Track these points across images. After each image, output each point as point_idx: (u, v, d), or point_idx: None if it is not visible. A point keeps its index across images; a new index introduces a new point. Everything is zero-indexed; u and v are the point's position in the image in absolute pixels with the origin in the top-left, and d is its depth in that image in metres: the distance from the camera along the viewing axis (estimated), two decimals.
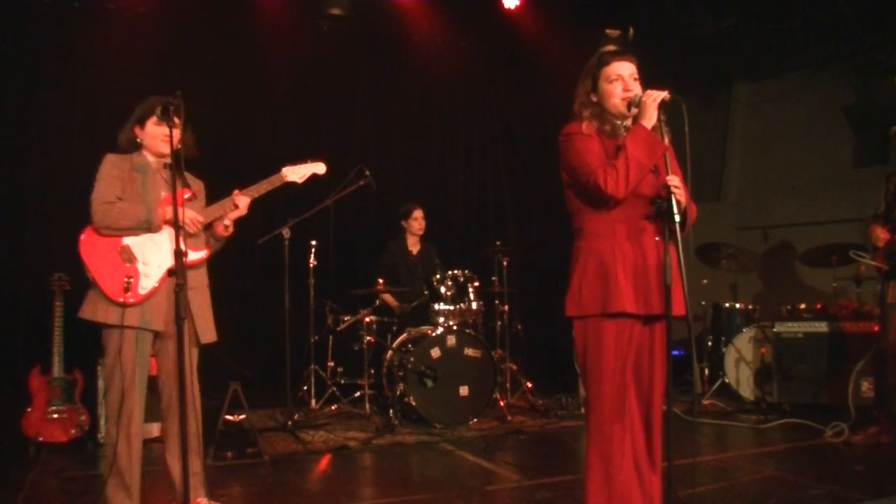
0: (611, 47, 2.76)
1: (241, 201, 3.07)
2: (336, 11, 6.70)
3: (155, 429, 4.43)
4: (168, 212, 2.90)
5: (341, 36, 6.93)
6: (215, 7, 6.33)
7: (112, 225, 2.86)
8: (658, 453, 2.58)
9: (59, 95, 5.87)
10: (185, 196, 3.00)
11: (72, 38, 5.93)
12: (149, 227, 2.90)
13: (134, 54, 6.07)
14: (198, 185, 3.20)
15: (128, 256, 2.90)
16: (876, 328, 4.56)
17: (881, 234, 4.29)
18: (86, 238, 2.89)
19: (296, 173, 3.30)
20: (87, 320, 2.88)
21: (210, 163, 6.20)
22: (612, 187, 2.43)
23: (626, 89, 2.53)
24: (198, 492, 2.99)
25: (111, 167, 2.94)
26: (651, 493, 2.58)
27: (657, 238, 2.51)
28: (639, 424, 2.59)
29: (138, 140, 3.01)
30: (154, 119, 2.96)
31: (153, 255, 2.93)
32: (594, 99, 2.59)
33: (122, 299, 2.82)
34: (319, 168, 3.38)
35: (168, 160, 3.00)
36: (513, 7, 6.84)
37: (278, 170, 3.26)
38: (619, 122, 2.58)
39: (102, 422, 4.43)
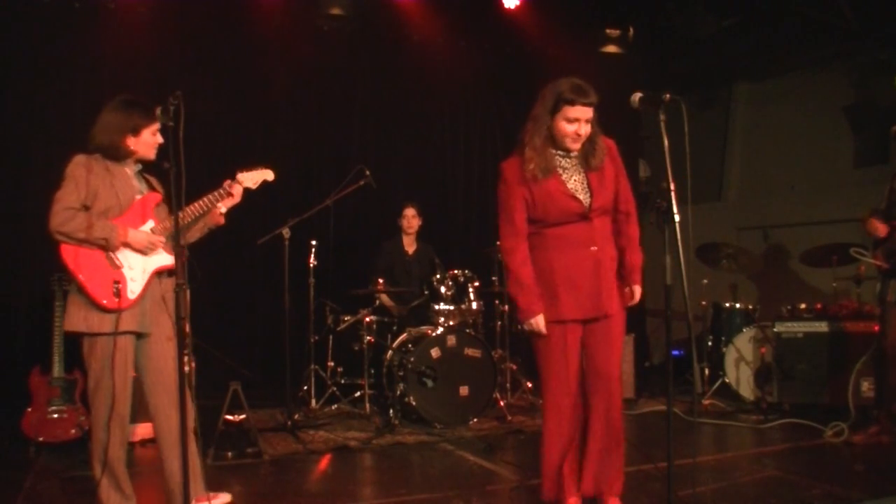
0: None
1: (237, 190, 3.26)
2: (336, 11, 6.70)
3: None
4: (129, 233, 2.90)
5: (341, 36, 6.93)
6: (215, 7, 6.33)
7: (70, 234, 2.81)
8: (616, 427, 2.91)
9: (59, 95, 5.87)
10: (158, 200, 3.05)
11: (72, 38, 5.93)
12: (105, 245, 2.85)
13: (134, 54, 6.07)
14: (160, 186, 3.17)
15: (113, 262, 2.89)
16: (876, 328, 4.56)
17: (880, 226, 4.29)
18: (67, 245, 2.83)
19: (250, 179, 3.35)
20: (77, 332, 2.85)
21: (209, 162, 6.24)
22: (504, 256, 2.88)
23: (577, 134, 2.74)
24: (197, 487, 3.00)
25: (83, 170, 2.90)
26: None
27: (594, 248, 2.80)
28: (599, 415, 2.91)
29: (131, 149, 2.97)
30: (152, 128, 2.95)
31: (135, 259, 2.93)
32: (548, 122, 2.77)
33: (115, 305, 2.81)
34: (269, 175, 3.43)
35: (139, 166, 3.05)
36: (513, 7, 6.83)
37: (233, 175, 3.31)
38: (553, 152, 2.81)
39: None
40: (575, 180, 2.82)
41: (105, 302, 2.81)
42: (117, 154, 2.95)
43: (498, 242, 5.71)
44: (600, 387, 2.89)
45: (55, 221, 2.81)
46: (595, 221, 2.81)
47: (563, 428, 2.89)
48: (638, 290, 2.93)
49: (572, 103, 2.70)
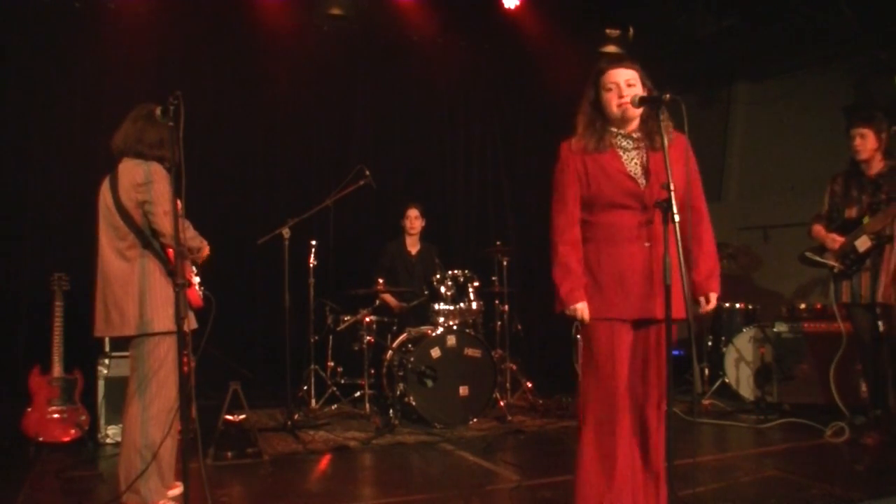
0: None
1: None
2: (336, 11, 6.70)
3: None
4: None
5: (341, 36, 6.93)
6: (215, 7, 6.32)
7: (184, 241, 2.95)
8: (656, 459, 2.62)
9: (59, 95, 5.87)
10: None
11: (72, 38, 5.93)
12: (191, 254, 3.17)
13: (134, 54, 6.07)
14: None
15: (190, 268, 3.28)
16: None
17: (836, 238, 4.42)
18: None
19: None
20: (167, 332, 3.02)
21: (210, 163, 6.24)
22: (553, 236, 2.66)
23: (620, 96, 2.58)
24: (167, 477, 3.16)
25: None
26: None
27: (647, 244, 2.58)
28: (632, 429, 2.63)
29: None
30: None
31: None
32: (597, 107, 2.66)
33: (198, 304, 3.25)
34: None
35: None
36: (513, 7, 6.83)
37: None
38: (614, 131, 2.64)
39: (102, 422, 4.44)
40: (635, 162, 2.61)
41: (197, 304, 3.21)
42: (167, 165, 3.10)
43: (498, 242, 5.81)
44: (644, 408, 2.61)
45: (172, 227, 2.82)
46: (651, 213, 2.56)
47: (606, 450, 2.55)
48: (713, 298, 2.65)
49: (605, 71, 2.61)
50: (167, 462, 3.10)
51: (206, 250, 3.27)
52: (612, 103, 2.60)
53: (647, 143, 2.63)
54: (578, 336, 2.76)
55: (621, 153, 2.62)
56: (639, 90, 2.58)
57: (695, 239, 2.62)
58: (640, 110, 2.60)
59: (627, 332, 2.61)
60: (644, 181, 2.59)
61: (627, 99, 2.57)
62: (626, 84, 2.58)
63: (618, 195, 2.57)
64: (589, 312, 2.60)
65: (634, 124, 2.64)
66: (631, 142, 2.65)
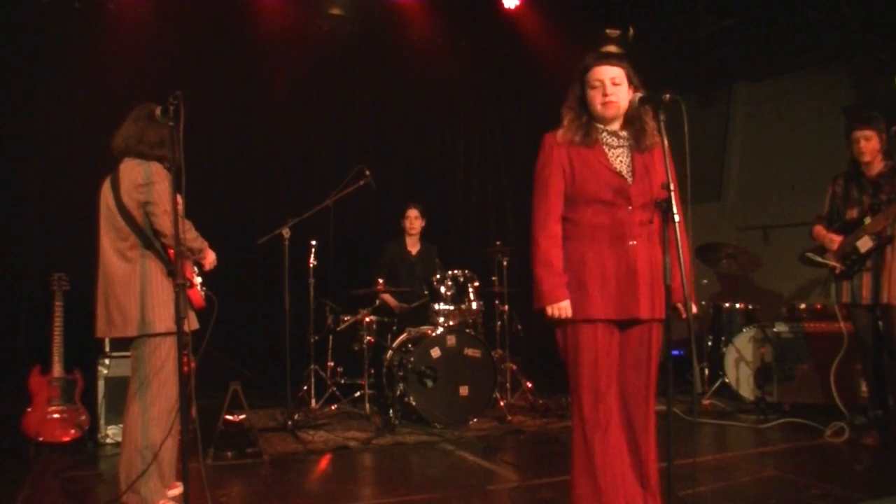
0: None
1: None
2: (336, 11, 6.71)
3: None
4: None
5: (341, 36, 6.94)
6: (215, 7, 6.33)
7: (185, 241, 2.93)
8: (646, 460, 2.61)
9: (59, 95, 5.88)
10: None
11: (72, 38, 5.93)
12: (193, 255, 3.20)
13: (134, 54, 6.08)
14: None
15: (191, 269, 3.30)
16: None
17: (835, 238, 4.41)
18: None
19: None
20: (169, 333, 3.00)
21: (210, 163, 6.24)
22: (533, 231, 2.61)
23: (604, 94, 2.56)
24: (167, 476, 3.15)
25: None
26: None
27: (632, 242, 2.54)
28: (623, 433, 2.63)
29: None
30: None
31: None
32: (582, 103, 2.63)
33: (201, 305, 3.24)
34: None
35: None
36: (513, 7, 6.84)
37: None
38: (600, 127, 2.63)
39: (102, 422, 4.44)
40: (621, 160, 2.58)
41: (199, 304, 3.21)
42: (167, 165, 3.07)
43: (498, 242, 5.82)
44: (629, 409, 2.60)
45: (173, 227, 2.72)
46: (636, 212, 2.53)
47: (595, 451, 2.52)
48: (685, 308, 2.54)
49: (590, 68, 2.57)
50: (167, 462, 3.10)
51: (212, 256, 3.28)
52: (597, 101, 2.58)
53: (633, 143, 2.62)
54: None
55: (607, 150, 2.61)
56: (624, 88, 2.57)
57: (668, 244, 2.54)
58: (624, 109, 2.59)
59: (613, 333, 2.58)
60: (631, 178, 2.57)
61: (612, 106, 2.56)
62: (611, 82, 2.56)
63: (603, 191, 2.54)
64: (572, 312, 2.57)
65: (619, 122, 2.64)
66: (617, 139, 2.63)
